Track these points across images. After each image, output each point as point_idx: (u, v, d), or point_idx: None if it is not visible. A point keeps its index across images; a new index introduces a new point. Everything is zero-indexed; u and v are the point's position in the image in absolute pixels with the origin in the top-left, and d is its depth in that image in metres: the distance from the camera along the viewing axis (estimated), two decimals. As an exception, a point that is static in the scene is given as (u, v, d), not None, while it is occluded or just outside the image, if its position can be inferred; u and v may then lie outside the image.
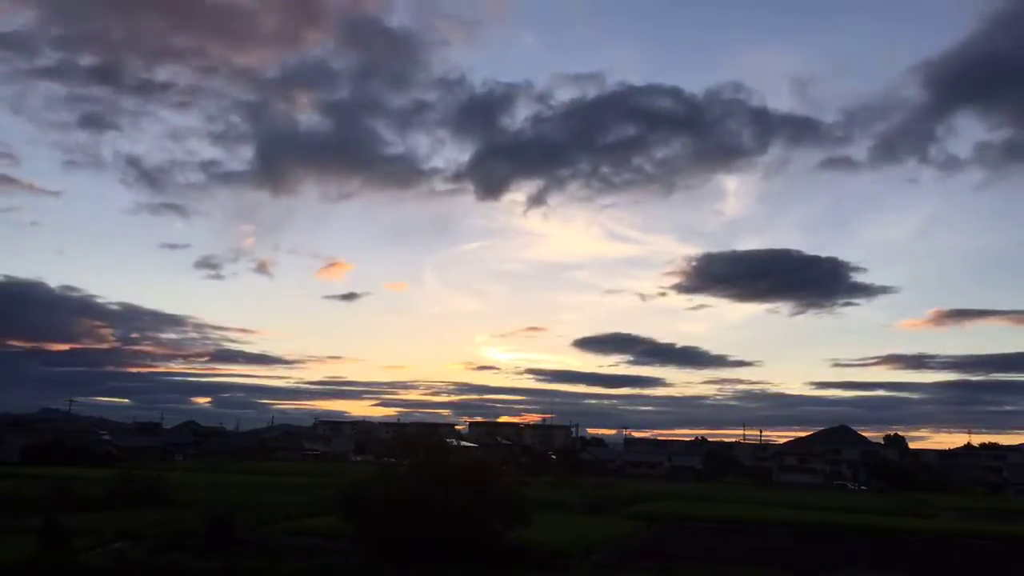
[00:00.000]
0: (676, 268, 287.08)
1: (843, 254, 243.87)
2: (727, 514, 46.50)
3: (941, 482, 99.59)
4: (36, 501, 36.52)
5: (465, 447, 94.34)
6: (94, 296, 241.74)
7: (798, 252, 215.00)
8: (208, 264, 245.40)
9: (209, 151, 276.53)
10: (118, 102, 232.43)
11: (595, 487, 62.53)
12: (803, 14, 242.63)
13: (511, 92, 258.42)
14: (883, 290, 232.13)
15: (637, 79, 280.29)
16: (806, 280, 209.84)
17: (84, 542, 26.53)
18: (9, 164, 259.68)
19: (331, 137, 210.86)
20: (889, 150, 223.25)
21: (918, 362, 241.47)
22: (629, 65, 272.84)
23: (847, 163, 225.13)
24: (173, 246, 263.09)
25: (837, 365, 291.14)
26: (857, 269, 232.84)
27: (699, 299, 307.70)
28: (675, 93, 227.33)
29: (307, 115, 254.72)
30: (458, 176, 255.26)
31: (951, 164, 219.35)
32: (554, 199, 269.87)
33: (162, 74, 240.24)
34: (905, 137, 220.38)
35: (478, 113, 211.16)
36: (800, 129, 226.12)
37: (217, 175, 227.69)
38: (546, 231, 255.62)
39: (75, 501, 37.39)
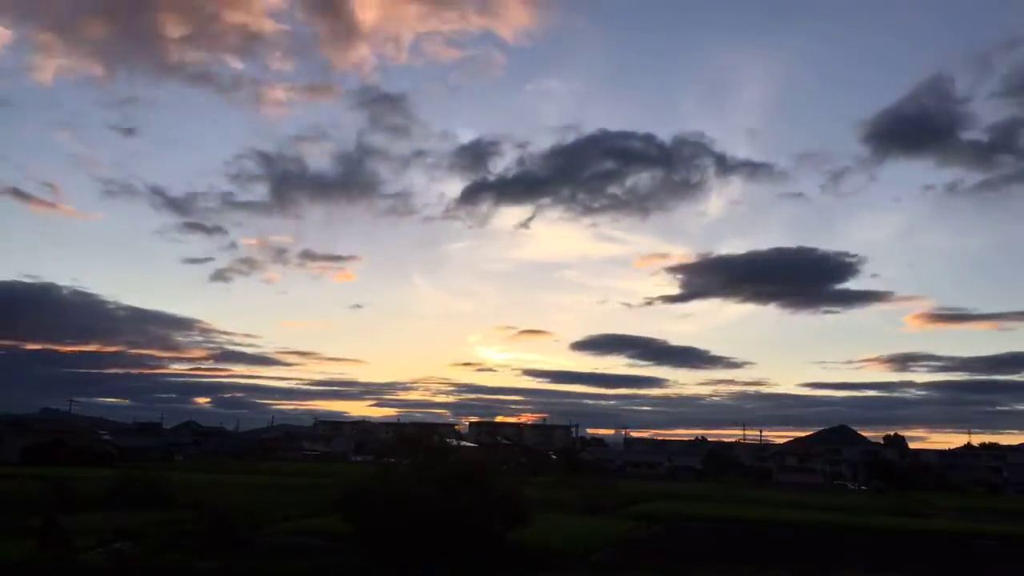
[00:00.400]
0: (672, 270, 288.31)
1: (837, 256, 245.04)
2: (727, 514, 46.47)
3: (941, 482, 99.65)
4: (36, 501, 36.45)
5: (465, 447, 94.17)
6: (104, 301, 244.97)
7: (792, 255, 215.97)
8: (222, 277, 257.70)
9: (227, 186, 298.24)
10: (145, 151, 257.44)
11: (595, 487, 62.39)
12: (759, 74, 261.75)
13: (497, 140, 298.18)
14: (877, 293, 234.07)
15: (612, 128, 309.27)
16: (801, 282, 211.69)
17: (84, 542, 26.48)
18: (50, 192, 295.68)
19: (335, 179, 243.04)
20: (836, 189, 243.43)
21: (911, 363, 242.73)
22: (604, 119, 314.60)
23: (801, 197, 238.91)
24: (194, 260, 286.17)
25: (833, 367, 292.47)
26: (850, 272, 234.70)
27: (696, 300, 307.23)
28: (648, 139, 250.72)
29: (315, 161, 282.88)
30: (449, 209, 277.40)
31: (893, 205, 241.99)
32: (537, 224, 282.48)
33: (182, 129, 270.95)
34: (850, 177, 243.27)
35: (467, 158, 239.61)
36: (756, 169, 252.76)
37: (234, 203, 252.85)
38: (539, 235, 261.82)
39: (75, 501, 37.30)
